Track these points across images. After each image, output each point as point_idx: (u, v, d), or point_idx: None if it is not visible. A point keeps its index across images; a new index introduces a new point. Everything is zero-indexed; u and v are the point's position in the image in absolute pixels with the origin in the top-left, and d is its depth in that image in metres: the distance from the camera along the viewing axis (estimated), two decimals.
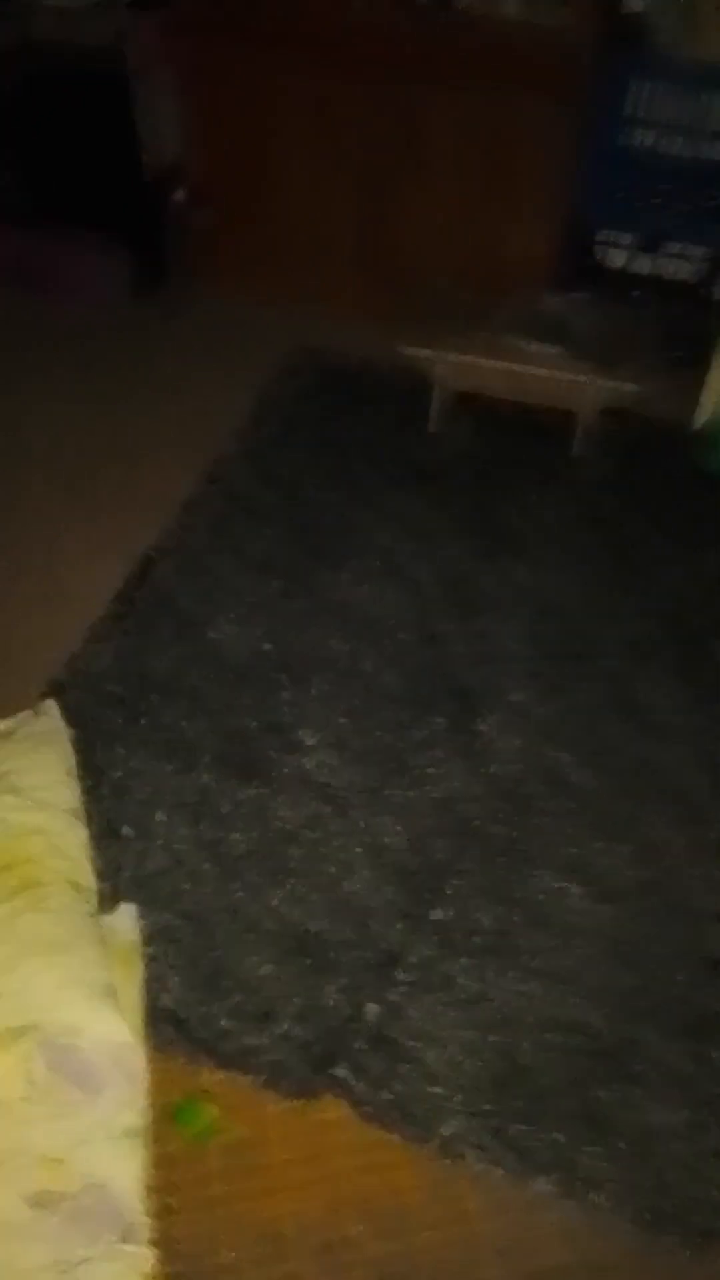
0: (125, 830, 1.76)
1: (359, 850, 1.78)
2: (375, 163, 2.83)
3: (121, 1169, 1.32)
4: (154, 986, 1.54)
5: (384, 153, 2.80)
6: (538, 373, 2.55)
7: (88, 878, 1.58)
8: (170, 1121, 1.42)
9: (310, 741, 1.94)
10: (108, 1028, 1.36)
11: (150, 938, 1.60)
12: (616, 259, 3.07)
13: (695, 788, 1.90)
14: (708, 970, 1.63)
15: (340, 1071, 1.48)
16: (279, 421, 2.72)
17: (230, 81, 2.82)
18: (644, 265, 3.02)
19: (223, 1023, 1.53)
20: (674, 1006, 1.58)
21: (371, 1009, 1.55)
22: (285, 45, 2.72)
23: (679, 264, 2.99)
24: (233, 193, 3.02)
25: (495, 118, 2.67)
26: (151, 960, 1.57)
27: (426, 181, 2.82)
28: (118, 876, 1.69)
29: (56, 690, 1.95)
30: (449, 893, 1.72)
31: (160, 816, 1.79)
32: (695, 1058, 1.53)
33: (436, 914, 1.69)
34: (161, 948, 1.60)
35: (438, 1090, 1.48)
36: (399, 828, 1.81)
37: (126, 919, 1.57)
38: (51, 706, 1.84)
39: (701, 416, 2.69)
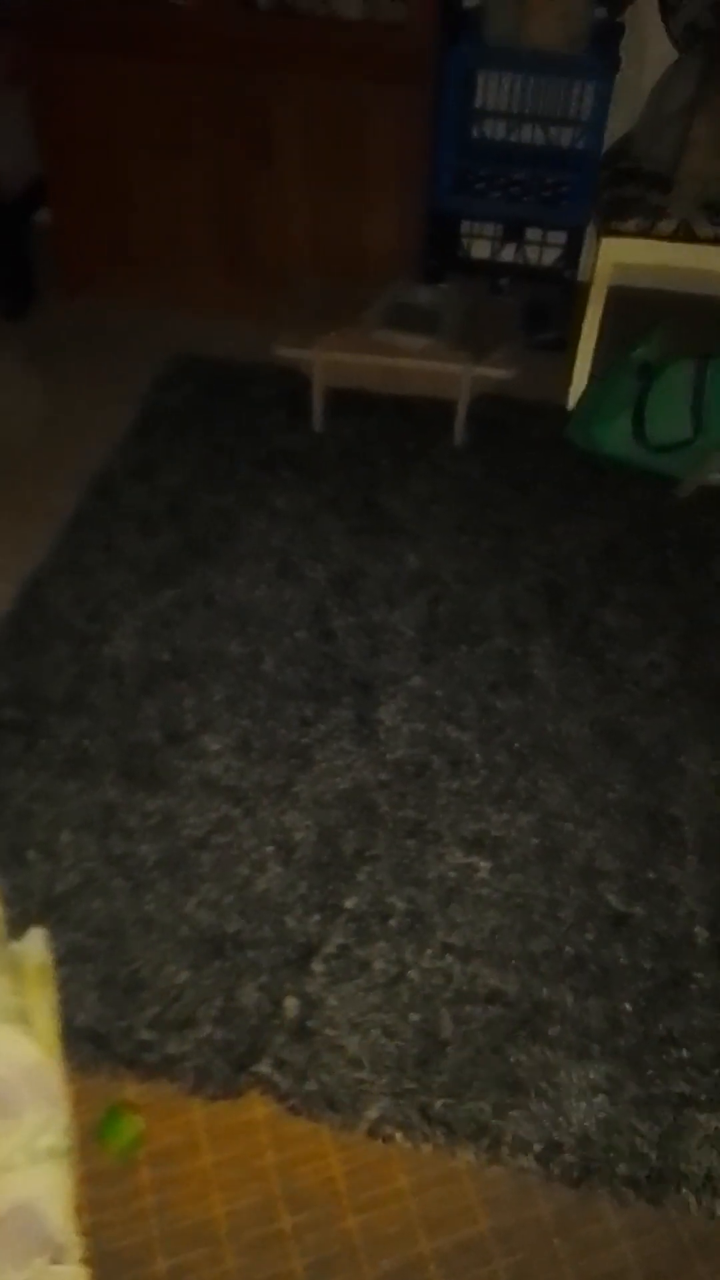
0: (31, 855, 1.74)
1: (270, 849, 1.79)
2: (227, 162, 2.83)
3: (47, 1191, 1.31)
4: (70, 1006, 1.53)
5: (235, 151, 2.80)
6: (411, 365, 2.59)
7: None
8: (96, 1138, 1.41)
9: (214, 747, 1.95)
10: (18, 1051, 1.35)
11: (63, 959, 1.58)
12: (482, 249, 3.15)
13: (590, 753, 1.95)
14: (612, 926, 1.68)
15: (263, 1068, 1.49)
16: (161, 430, 2.71)
17: (76, 90, 2.79)
18: (508, 253, 3.10)
19: (142, 1034, 1.52)
20: (584, 965, 1.63)
21: (291, 1003, 1.57)
22: (127, 51, 2.71)
23: (541, 250, 3.08)
24: (90, 202, 2.99)
25: (344, 112, 2.69)
26: (66, 981, 1.56)
27: (281, 178, 2.84)
28: (26, 901, 1.67)
29: None
30: (361, 880, 1.74)
31: (66, 837, 1.77)
32: (608, 1013, 1.58)
33: (350, 903, 1.71)
34: (76, 967, 1.59)
35: (361, 1075, 1.50)
36: (308, 822, 1.83)
37: (36, 943, 1.55)
38: None
39: (573, 396, 2.76)
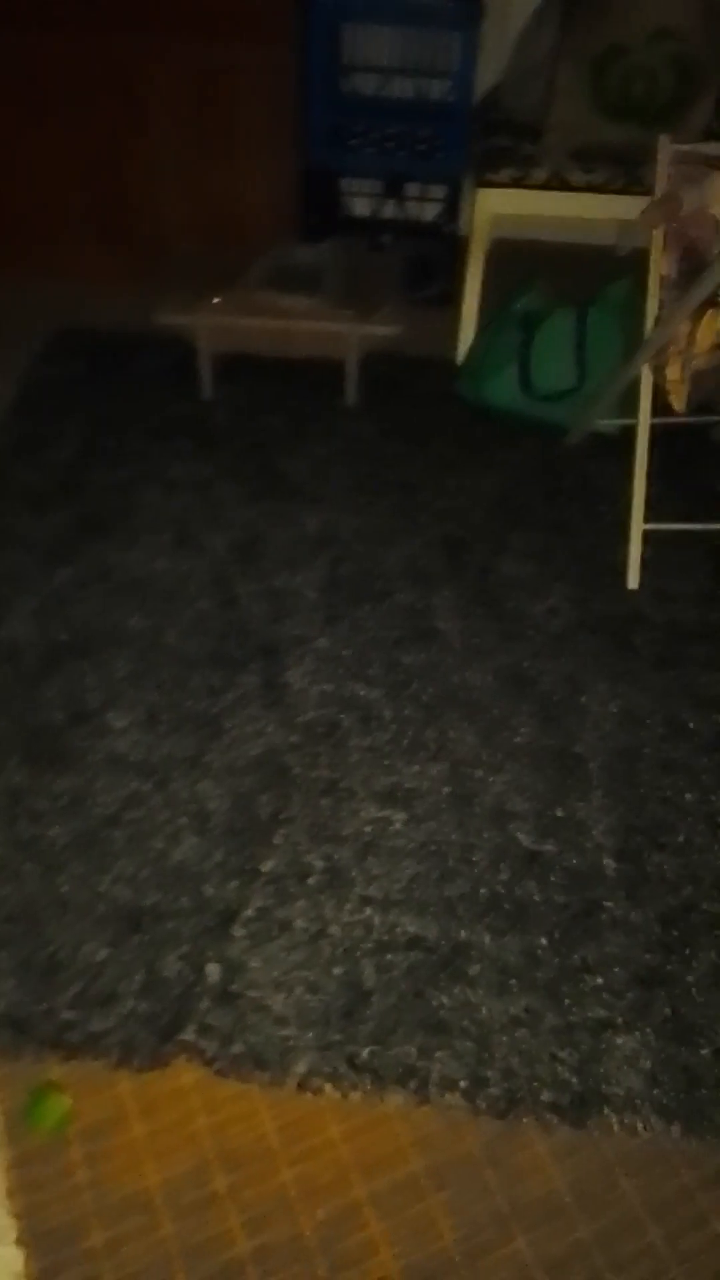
0: None
1: (184, 820, 1.78)
2: (96, 128, 2.75)
3: None
4: None
5: (104, 116, 2.73)
6: (297, 326, 2.57)
7: None
8: (24, 1121, 1.40)
9: (120, 723, 1.92)
10: None
11: None
12: (362, 207, 3.12)
13: (495, 700, 1.99)
14: (524, 864, 1.72)
15: (189, 1035, 1.49)
16: (45, 405, 2.64)
17: None
18: (389, 210, 3.08)
19: (64, 1014, 1.51)
20: (500, 904, 1.67)
21: (213, 969, 1.57)
22: None
23: (421, 205, 3.06)
24: None
25: (210, 72, 2.64)
26: None
27: (152, 142, 2.77)
28: None
29: None
30: (278, 843, 1.75)
31: None
32: (524, 949, 1.62)
33: (268, 865, 1.72)
34: None
35: (287, 1032, 1.51)
36: (221, 791, 1.82)
37: None
38: None
39: (461, 350, 2.77)
